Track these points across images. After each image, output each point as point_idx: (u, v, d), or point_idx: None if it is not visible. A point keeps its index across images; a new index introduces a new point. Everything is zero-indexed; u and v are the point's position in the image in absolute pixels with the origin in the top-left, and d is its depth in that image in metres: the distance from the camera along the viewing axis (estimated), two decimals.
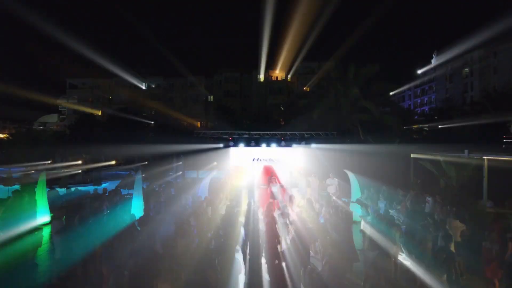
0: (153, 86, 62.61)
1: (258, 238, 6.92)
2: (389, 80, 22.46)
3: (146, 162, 38.73)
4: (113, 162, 43.74)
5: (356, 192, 12.83)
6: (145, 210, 9.06)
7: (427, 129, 35.29)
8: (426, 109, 58.92)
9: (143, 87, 62.90)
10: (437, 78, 64.87)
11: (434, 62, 70.42)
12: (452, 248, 6.47)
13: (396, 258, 6.21)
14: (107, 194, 12.63)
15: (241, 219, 8.60)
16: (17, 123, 69.82)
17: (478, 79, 52.21)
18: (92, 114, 51.53)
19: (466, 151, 11.94)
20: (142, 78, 62.21)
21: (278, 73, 58.41)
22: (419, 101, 71.70)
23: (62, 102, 67.48)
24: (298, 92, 44.03)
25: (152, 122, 48.95)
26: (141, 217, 8.65)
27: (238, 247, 7.22)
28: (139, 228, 8.39)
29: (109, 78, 62.10)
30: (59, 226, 6.95)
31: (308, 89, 48.49)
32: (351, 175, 13.19)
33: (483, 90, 41.71)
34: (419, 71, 75.09)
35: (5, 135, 57.40)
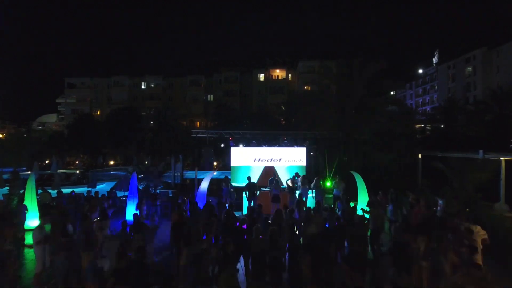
0: (152, 85, 61.89)
1: (261, 248, 6.24)
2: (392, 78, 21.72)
3: (146, 162, 38.09)
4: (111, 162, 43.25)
5: (363, 194, 12.16)
6: (137, 216, 8.32)
7: (429, 128, 34.59)
8: (428, 109, 58.19)
9: (143, 86, 62.21)
10: (439, 77, 64.23)
11: (435, 60, 69.75)
12: (479, 260, 5.80)
13: (424, 274, 5.53)
14: (99, 196, 11.95)
15: (243, 225, 7.93)
16: (16, 123, 69.27)
17: (481, 78, 51.50)
18: (90, 114, 50.87)
19: (480, 151, 11.28)
20: (141, 77, 61.57)
21: (279, 72, 57.76)
22: (420, 100, 71.03)
23: (60, 102, 66.92)
24: (299, 91, 43.25)
25: (152, 122, 48.27)
26: (132, 225, 7.94)
27: (239, 259, 6.57)
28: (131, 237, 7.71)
29: (108, 76, 61.51)
30: (40, 235, 6.26)
31: (309, 88, 47.74)
32: (357, 177, 12.52)
33: (487, 89, 41.01)
34: (420, 70, 74.44)
35: (3, 135, 56.93)
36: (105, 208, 9.38)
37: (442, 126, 31.72)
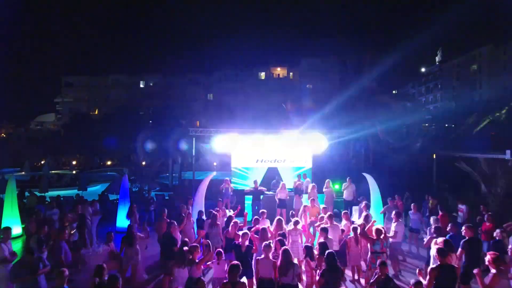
0: (151, 84, 60.81)
1: (269, 273, 5.16)
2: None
3: (144, 163, 36.97)
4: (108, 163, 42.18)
5: (376, 198, 11.06)
6: (132, 228, 7.16)
7: (433, 127, 33.46)
8: (431, 108, 57.06)
9: (141, 85, 61.14)
10: (443, 75, 63.08)
11: (439, 58, 68.44)
12: None
13: None
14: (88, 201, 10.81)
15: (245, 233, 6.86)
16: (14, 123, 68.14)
17: (488, 76, 50.38)
18: (88, 113, 49.87)
19: (508, 151, 10.18)
20: (140, 76, 60.49)
21: (280, 70, 56.67)
22: (423, 99, 69.81)
23: (58, 101, 65.77)
24: (304, 89, 42.14)
25: (151, 121, 47.19)
26: (124, 237, 6.82)
27: (244, 280, 5.49)
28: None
29: (106, 75, 60.41)
30: (4, 251, 5.20)
31: (310, 86, 46.74)
32: (370, 179, 11.42)
33: (496, 86, 39.84)
34: (423, 69, 73.08)
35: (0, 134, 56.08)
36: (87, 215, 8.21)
37: (446, 125, 30.64)
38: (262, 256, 5.26)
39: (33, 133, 49.63)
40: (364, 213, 8.20)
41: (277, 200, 11.44)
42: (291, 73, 56.41)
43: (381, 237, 6.35)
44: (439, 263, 5.28)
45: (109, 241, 6.81)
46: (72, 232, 6.89)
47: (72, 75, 62.56)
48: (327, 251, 5.11)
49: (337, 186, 13.76)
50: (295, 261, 6.05)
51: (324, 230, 6.35)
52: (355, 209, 11.60)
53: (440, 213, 8.83)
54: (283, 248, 5.16)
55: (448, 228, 6.91)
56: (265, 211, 8.65)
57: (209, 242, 6.94)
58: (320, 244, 6.00)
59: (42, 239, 5.89)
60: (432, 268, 5.13)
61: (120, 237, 7.25)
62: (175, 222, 7.02)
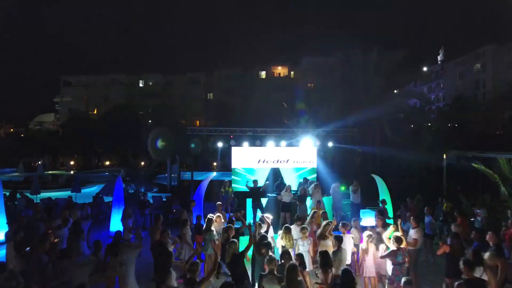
0: (150, 83, 60.18)
1: (274, 283, 4.52)
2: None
3: (143, 163, 36.36)
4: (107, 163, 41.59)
5: (387, 201, 10.40)
6: (120, 234, 6.50)
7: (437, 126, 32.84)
8: (433, 107, 56.39)
9: (141, 84, 60.52)
10: (445, 75, 62.34)
11: (441, 57, 67.56)
12: None
13: None
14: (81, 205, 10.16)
15: (247, 240, 6.21)
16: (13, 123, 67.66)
17: (491, 75, 49.63)
18: (86, 113, 49.40)
19: None
20: (139, 75, 59.87)
21: (281, 69, 56.03)
22: None
23: (57, 101, 65.18)
24: (308, 87, 41.44)
25: (150, 121, 46.59)
26: (109, 245, 6.17)
27: None
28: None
29: (105, 74, 59.77)
30: None
31: (312, 85, 46.02)
32: (379, 180, 10.78)
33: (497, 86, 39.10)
34: (425, 68, 72.12)
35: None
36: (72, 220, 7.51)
37: (449, 124, 30.02)
38: (266, 271, 4.58)
39: (32, 133, 49.12)
40: (380, 219, 7.38)
41: (281, 204, 10.76)
42: (292, 72, 55.75)
43: (402, 246, 5.64)
44: (466, 277, 4.68)
45: (96, 250, 6.15)
46: (55, 240, 6.21)
47: (71, 75, 61.97)
48: (343, 268, 4.44)
49: (343, 188, 13.08)
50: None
51: (338, 239, 5.61)
52: (362, 212, 10.98)
53: (458, 218, 8.17)
54: (290, 263, 4.45)
55: (472, 236, 6.26)
56: (269, 215, 7.96)
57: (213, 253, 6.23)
58: (323, 254, 5.20)
59: (18, 246, 5.24)
60: (459, 284, 4.49)
61: None
62: (169, 232, 6.25)
